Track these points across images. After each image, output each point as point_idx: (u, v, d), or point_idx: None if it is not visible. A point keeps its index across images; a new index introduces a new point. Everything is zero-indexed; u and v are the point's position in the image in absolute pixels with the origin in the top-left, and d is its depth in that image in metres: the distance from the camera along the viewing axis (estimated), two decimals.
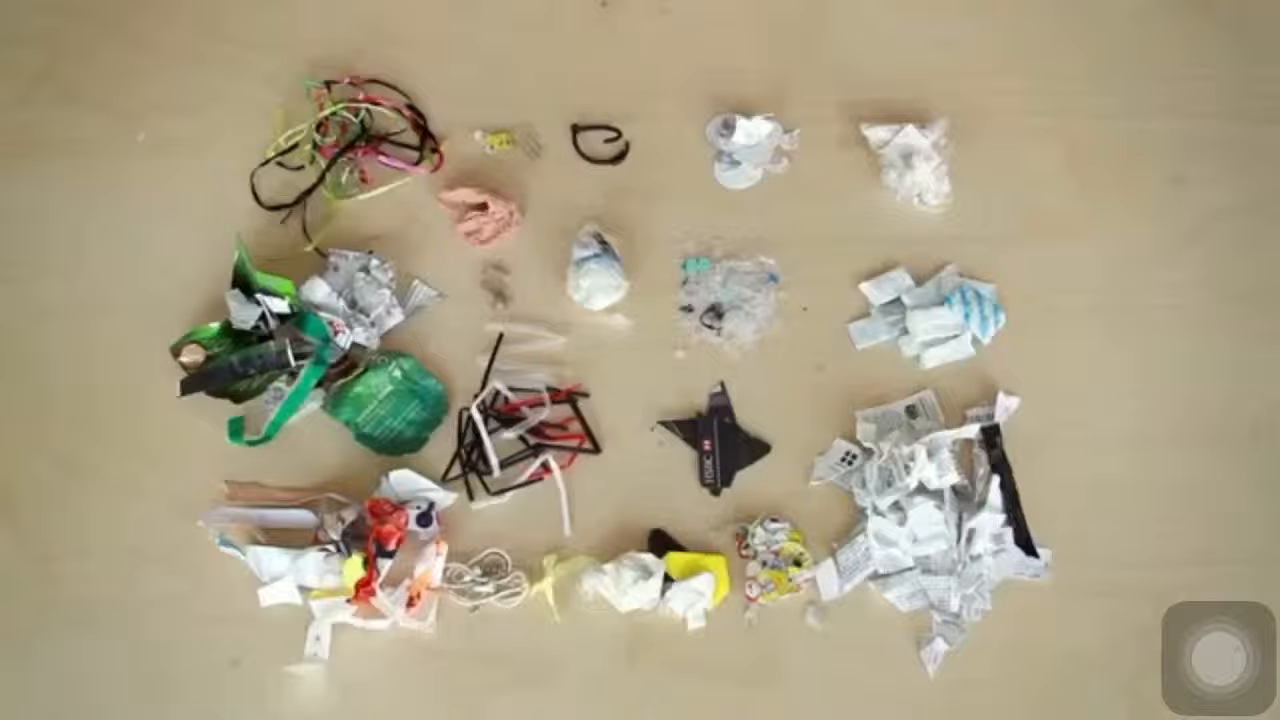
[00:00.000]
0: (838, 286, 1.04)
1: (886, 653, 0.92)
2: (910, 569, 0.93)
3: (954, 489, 0.93)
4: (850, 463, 0.96)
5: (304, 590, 0.94)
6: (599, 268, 1.01)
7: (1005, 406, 0.98)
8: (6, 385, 1.03)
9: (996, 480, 0.93)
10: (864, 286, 1.03)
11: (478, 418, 0.99)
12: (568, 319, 1.04)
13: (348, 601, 0.91)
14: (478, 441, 0.98)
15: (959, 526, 0.92)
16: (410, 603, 0.92)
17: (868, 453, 0.96)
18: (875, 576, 0.93)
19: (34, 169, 1.11)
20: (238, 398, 1.01)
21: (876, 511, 0.93)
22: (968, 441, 0.96)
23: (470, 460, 0.99)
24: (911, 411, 0.98)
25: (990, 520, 0.92)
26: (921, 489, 0.93)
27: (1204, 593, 0.92)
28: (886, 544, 0.93)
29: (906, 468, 0.92)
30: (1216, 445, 0.97)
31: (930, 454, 0.92)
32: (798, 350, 1.02)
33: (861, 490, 0.95)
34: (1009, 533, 0.92)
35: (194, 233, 1.08)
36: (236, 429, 1.00)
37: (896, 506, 0.92)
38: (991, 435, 0.96)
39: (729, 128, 1.08)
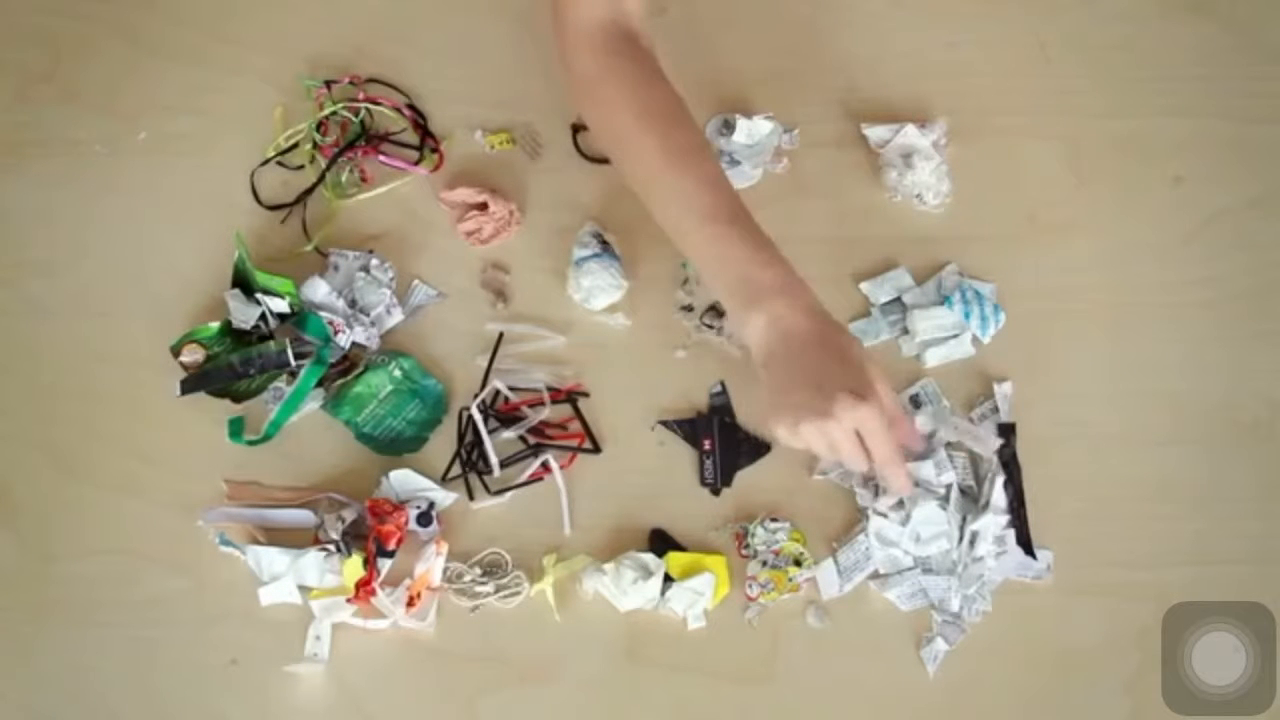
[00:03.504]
0: (838, 286, 1.04)
1: (886, 653, 0.92)
2: (911, 569, 0.93)
3: (960, 489, 0.93)
4: None
5: (304, 590, 0.94)
6: (599, 267, 1.01)
7: (1004, 394, 0.98)
8: (6, 385, 1.03)
9: (1001, 480, 0.93)
10: (864, 286, 1.03)
11: (478, 417, 0.99)
12: (568, 319, 1.04)
13: (348, 601, 0.91)
14: (478, 441, 0.99)
15: (961, 528, 0.92)
16: (410, 602, 0.92)
17: None
18: (875, 576, 0.93)
19: (34, 169, 1.11)
20: (238, 398, 1.01)
21: (878, 511, 0.93)
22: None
23: (470, 460, 0.99)
24: (915, 401, 0.99)
25: (994, 523, 0.92)
26: (924, 489, 0.93)
27: (1204, 593, 0.92)
28: (887, 544, 0.93)
29: None
30: (1216, 445, 0.98)
31: (928, 454, 0.93)
32: None
33: (863, 490, 0.95)
34: (1011, 534, 0.92)
35: (194, 233, 1.08)
36: (236, 429, 1.00)
37: (899, 505, 0.92)
38: (1006, 434, 0.96)
39: (729, 128, 1.08)
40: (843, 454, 0.87)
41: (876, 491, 0.94)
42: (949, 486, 0.93)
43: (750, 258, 0.89)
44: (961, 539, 0.92)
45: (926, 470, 0.92)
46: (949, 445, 0.95)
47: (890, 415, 0.86)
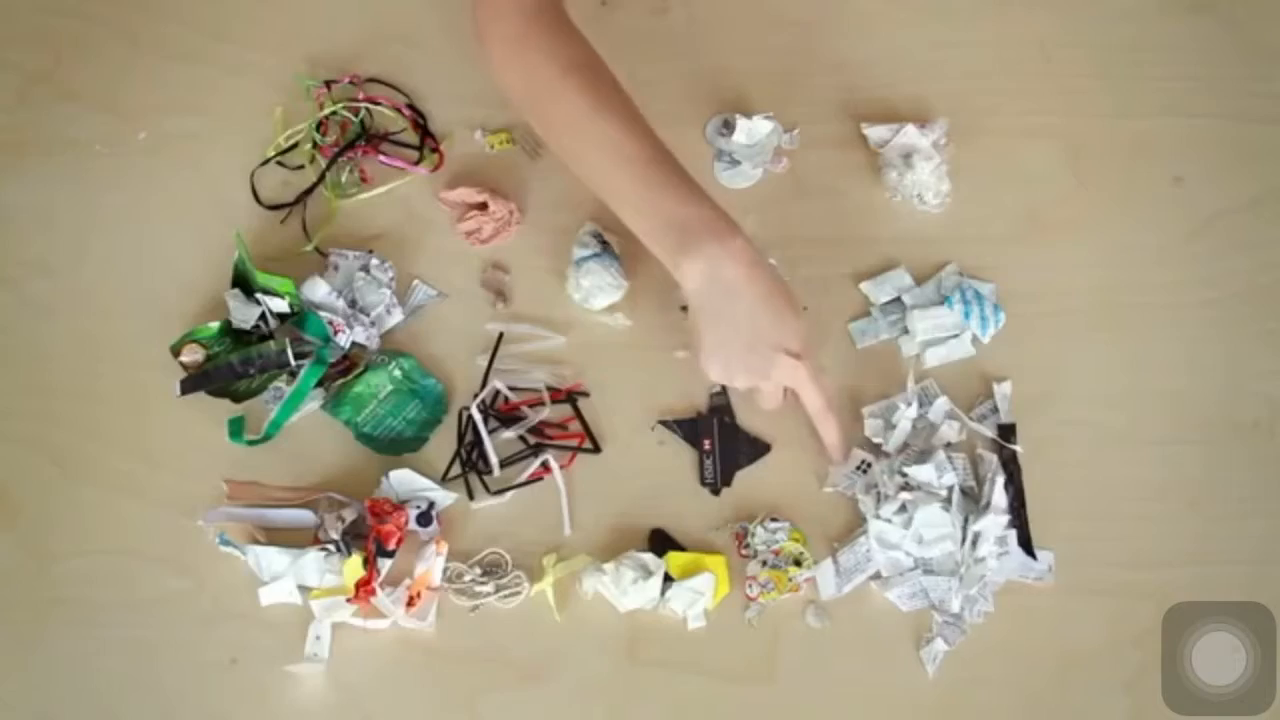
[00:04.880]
0: (838, 286, 1.04)
1: (887, 652, 0.92)
2: (912, 569, 0.92)
3: (961, 490, 0.93)
4: (864, 470, 0.96)
5: (304, 590, 0.94)
6: (599, 267, 1.01)
7: (1003, 394, 0.98)
8: (6, 385, 1.03)
9: (1001, 480, 0.93)
10: (864, 286, 1.03)
11: (478, 417, 0.99)
12: (568, 319, 1.04)
13: (348, 601, 0.91)
14: (478, 441, 0.99)
15: (964, 529, 0.92)
16: (410, 602, 0.92)
17: (877, 451, 0.97)
18: (876, 576, 0.93)
19: (34, 169, 1.11)
20: (238, 398, 1.01)
21: (880, 517, 0.92)
22: (974, 441, 0.96)
23: (470, 460, 0.99)
24: (919, 402, 0.98)
25: (995, 523, 0.91)
26: (925, 491, 0.92)
27: (1204, 593, 0.92)
28: (888, 547, 0.92)
29: (904, 473, 0.92)
30: (1216, 445, 0.97)
31: (927, 455, 0.93)
32: None
33: (865, 496, 0.94)
34: (1013, 535, 0.92)
35: (194, 233, 1.08)
36: (236, 429, 1.00)
37: (902, 509, 0.92)
38: (1006, 434, 0.96)
39: (729, 127, 1.08)
40: (772, 402, 0.94)
41: (879, 499, 0.93)
42: (950, 488, 0.93)
43: (679, 199, 0.90)
44: (964, 540, 0.92)
45: (927, 472, 0.92)
46: (948, 446, 0.95)
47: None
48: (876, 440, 0.97)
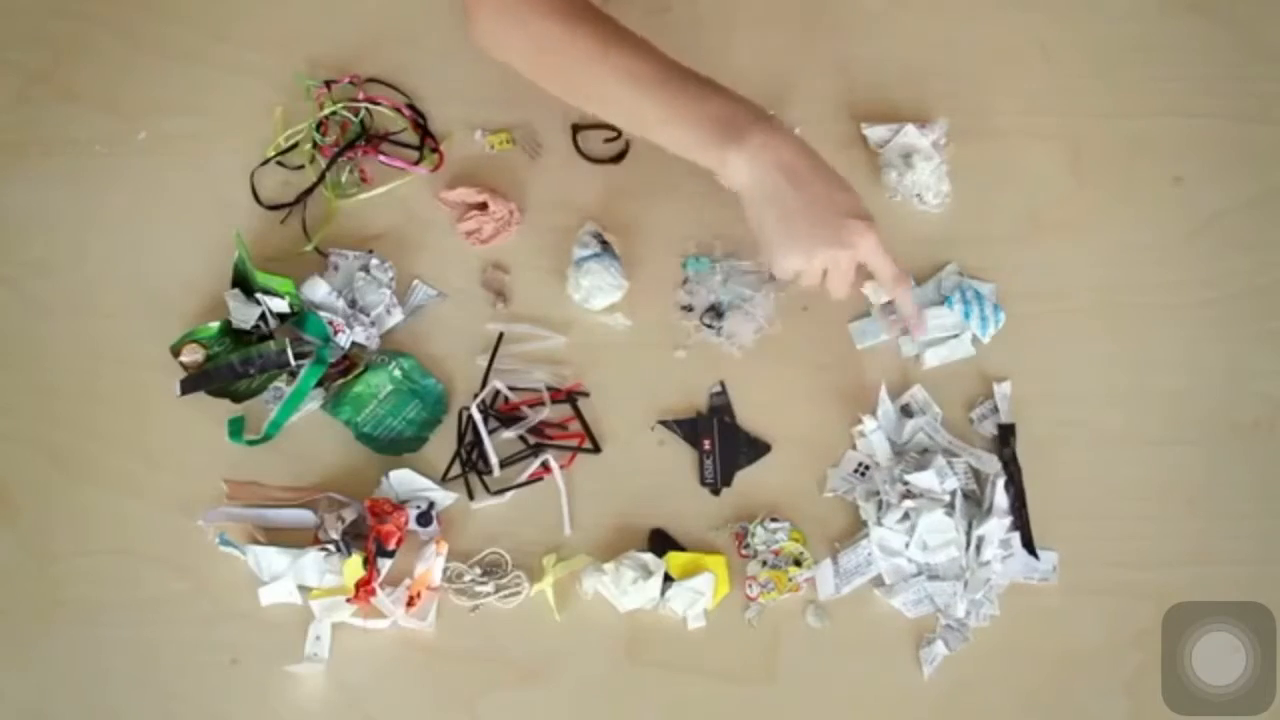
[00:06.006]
0: None
1: (887, 653, 0.92)
2: (916, 575, 0.92)
3: (964, 494, 0.93)
4: (863, 475, 0.96)
5: (304, 590, 0.94)
6: (599, 267, 1.01)
7: (1004, 394, 0.98)
8: (6, 385, 1.03)
9: (1002, 481, 0.93)
10: (864, 286, 1.03)
11: (478, 417, 0.99)
12: (568, 319, 1.04)
13: (348, 601, 0.91)
14: (478, 441, 0.99)
15: (968, 534, 0.92)
16: (410, 602, 0.92)
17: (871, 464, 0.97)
18: (880, 584, 0.93)
19: (34, 169, 1.11)
20: (238, 397, 1.01)
21: (882, 524, 0.92)
22: (974, 442, 0.96)
23: (470, 460, 0.99)
24: (907, 411, 0.98)
25: (999, 525, 0.91)
26: (928, 498, 0.92)
27: (1204, 593, 0.92)
28: (891, 554, 0.92)
29: (905, 481, 0.92)
30: (1216, 445, 0.97)
31: (927, 461, 0.93)
32: (798, 350, 1.02)
33: (866, 504, 0.94)
34: (1016, 536, 0.92)
35: (194, 233, 1.08)
36: (236, 429, 1.00)
37: (905, 517, 0.92)
38: (1006, 435, 0.96)
39: None
40: (844, 283, 0.92)
41: (880, 506, 0.93)
42: (953, 493, 0.92)
43: (716, 99, 0.91)
44: (969, 544, 0.91)
45: (929, 479, 0.92)
46: (947, 450, 0.95)
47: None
48: (867, 457, 0.97)
